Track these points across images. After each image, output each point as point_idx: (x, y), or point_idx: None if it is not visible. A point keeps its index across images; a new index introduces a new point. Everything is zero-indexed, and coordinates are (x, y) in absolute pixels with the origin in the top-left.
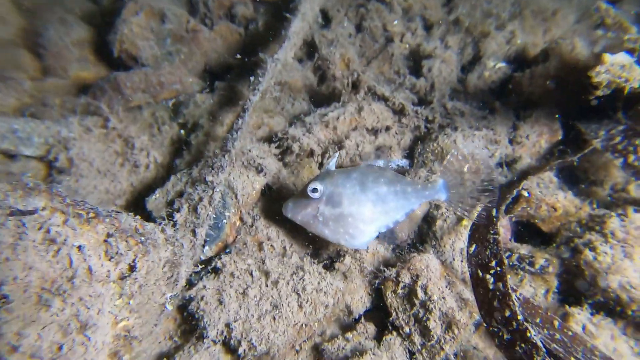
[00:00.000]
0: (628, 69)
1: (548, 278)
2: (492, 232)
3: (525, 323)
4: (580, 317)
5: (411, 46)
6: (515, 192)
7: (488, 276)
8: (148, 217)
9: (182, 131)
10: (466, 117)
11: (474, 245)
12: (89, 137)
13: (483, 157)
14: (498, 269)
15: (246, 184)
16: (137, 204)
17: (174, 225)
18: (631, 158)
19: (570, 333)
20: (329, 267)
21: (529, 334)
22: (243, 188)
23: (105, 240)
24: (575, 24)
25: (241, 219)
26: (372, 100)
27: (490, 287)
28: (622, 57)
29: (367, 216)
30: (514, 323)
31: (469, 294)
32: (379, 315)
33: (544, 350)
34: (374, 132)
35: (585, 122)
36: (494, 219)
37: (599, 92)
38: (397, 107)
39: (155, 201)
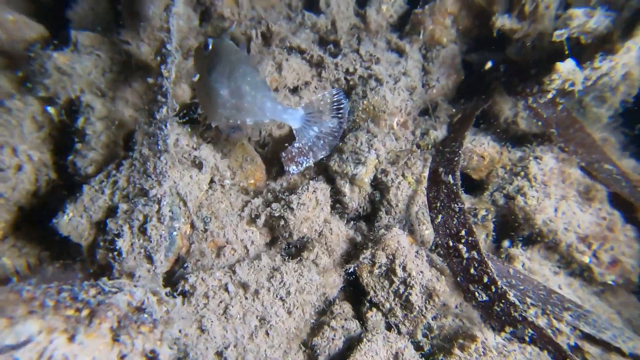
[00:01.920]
0: (573, 73)
1: (487, 224)
2: (456, 201)
3: (504, 287)
4: (520, 257)
5: None
6: (461, 147)
7: (460, 246)
8: (64, 242)
9: (51, 110)
10: (382, 64)
11: (439, 216)
12: None
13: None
14: (469, 238)
15: (192, 187)
16: (31, 228)
17: (120, 254)
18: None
19: (521, 276)
20: (295, 255)
21: (508, 296)
22: (190, 192)
23: (115, 340)
24: None
25: (192, 226)
26: (287, 54)
27: (465, 255)
28: (569, 65)
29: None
30: (493, 288)
31: (436, 259)
32: (350, 292)
33: (520, 306)
34: (295, 90)
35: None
36: (454, 187)
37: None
38: (315, 60)
39: (70, 222)
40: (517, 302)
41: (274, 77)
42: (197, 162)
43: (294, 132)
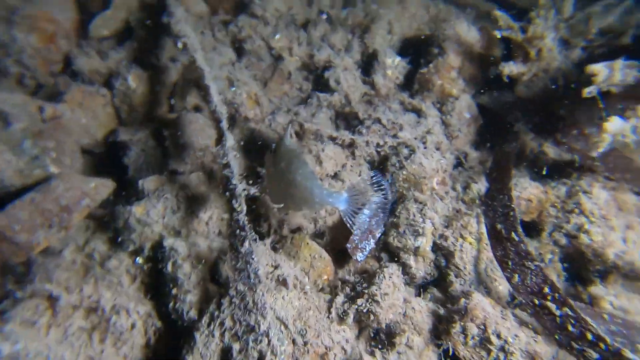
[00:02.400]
0: (622, 129)
1: (555, 266)
2: (529, 258)
3: (615, 344)
4: (606, 297)
5: (302, 58)
6: (512, 201)
7: (548, 303)
8: None
9: (140, 260)
10: (406, 129)
11: (515, 276)
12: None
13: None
14: (555, 294)
15: (287, 307)
16: None
17: None
18: None
19: (619, 321)
20: (389, 343)
21: (624, 354)
22: (287, 313)
23: None
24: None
25: (294, 343)
26: (321, 145)
27: (557, 313)
28: (617, 123)
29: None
30: (603, 345)
31: (524, 317)
32: None
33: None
34: (335, 175)
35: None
36: (522, 245)
37: None
38: (347, 143)
39: None
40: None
41: (316, 169)
42: (281, 280)
43: (342, 214)
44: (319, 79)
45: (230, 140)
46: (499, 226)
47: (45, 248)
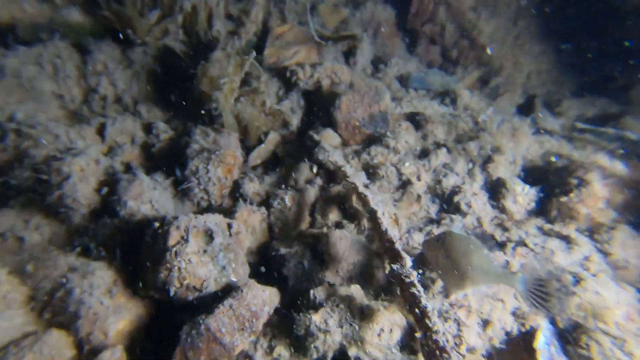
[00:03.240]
0: None
1: None
2: None
3: None
4: None
5: (428, 183)
6: None
7: None
8: None
9: None
10: (559, 254)
11: None
12: None
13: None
14: None
15: None
16: None
17: None
18: None
19: None
20: None
21: None
22: None
23: None
24: None
25: None
26: None
27: None
28: None
29: None
30: None
31: None
32: None
33: None
34: None
35: None
36: None
37: None
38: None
39: None
40: None
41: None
42: None
43: (520, 294)
44: (446, 203)
45: (408, 260)
46: None
47: (240, 350)
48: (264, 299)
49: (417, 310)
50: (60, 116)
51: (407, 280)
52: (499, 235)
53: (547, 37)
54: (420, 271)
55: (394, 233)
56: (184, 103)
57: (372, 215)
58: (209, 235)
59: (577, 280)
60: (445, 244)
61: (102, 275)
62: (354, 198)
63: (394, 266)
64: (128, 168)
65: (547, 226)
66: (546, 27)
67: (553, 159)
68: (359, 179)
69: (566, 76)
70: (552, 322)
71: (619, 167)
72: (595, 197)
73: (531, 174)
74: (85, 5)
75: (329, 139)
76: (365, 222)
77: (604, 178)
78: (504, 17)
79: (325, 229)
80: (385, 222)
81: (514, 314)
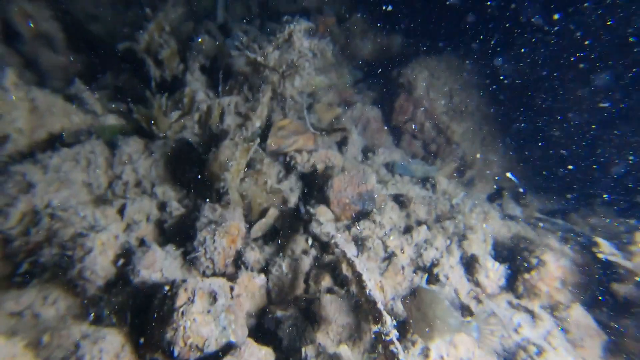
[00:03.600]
0: None
1: None
2: None
3: None
4: None
5: (411, 256)
6: None
7: None
8: None
9: None
10: (525, 327)
11: None
12: None
13: None
14: None
15: None
16: None
17: None
18: None
19: None
20: None
21: None
22: None
23: None
24: None
25: None
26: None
27: None
28: None
29: None
30: None
31: None
32: None
33: None
34: None
35: None
36: None
37: None
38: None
39: None
40: None
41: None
42: None
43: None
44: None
45: (389, 320)
46: None
47: None
48: (260, 358)
49: None
50: (87, 200)
51: (387, 338)
52: (473, 306)
53: (506, 142)
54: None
55: (377, 295)
56: (195, 184)
57: (358, 279)
58: (213, 297)
59: (540, 352)
60: (416, 298)
61: (112, 340)
62: (344, 265)
63: (376, 326)
64: (142, 242)
65: (515, 301)
66: (505, 134)
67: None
68: (348, 248)
69: (529, 173)
70: None
71: (567, 251)
72: (552, 277)
73: (500, 253)
74: (118, 112)
75: (322, 214)
76: (353, 288)
77: (557, 260)
78: (471, 122)
79: (317, 294)
80: (370, 285)
81: None
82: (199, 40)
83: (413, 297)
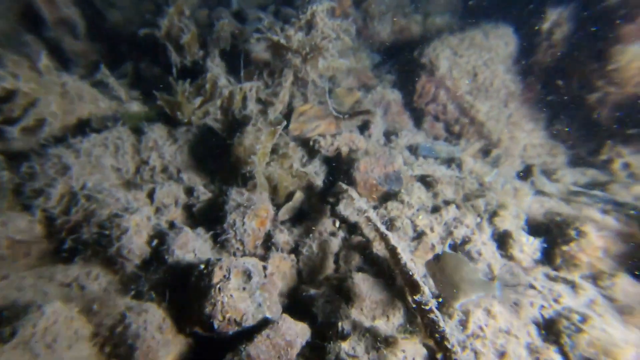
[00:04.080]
0: None
1: None
2: None
3: None
4: None
5: (440, 234)
6: None
7: None
8: None
9: None
10: (566, 297)
11: None
12: None
13: None
14: None
15: None
16: None
17: None
18: None
19: None
20: None
21: None
22: None
23: None
24: None
25: None
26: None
27: None
28: None
29: None
30: None
31: None
32: None
33: None
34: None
35: None
36: None
37: None
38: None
39: None
40: None
41: None
42: None
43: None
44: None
45: (427, 290)
46: None
47: None
48: (297, 331)
49: (436, 335)
50: (118, 184)
51: (426, 307)
52: (509, 280)
53: (535, 117)
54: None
55: (412, 267)
56: (219, 169)
57: (393, 252)
58: (248, 275)
59: (584, 319)
60: (440, 262)
61: (154, 313)
62: (375, 243)
63: (415, 297)
64: (172, 225)
65: (553, 273)
66: (533, 110)
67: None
68: (380, 223)
69: (558, 149)
70: (565, 358)
71: (611, 222)
72: (593, 247)
73: (534, 229)
74: (142, 98)
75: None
76: (388, 261)
77: (599, 230)
78: (496, 100)
79: (349, 273)
80: (405, 257)
81: (528, 347)
82: (220, 24)
83: (437, 260)
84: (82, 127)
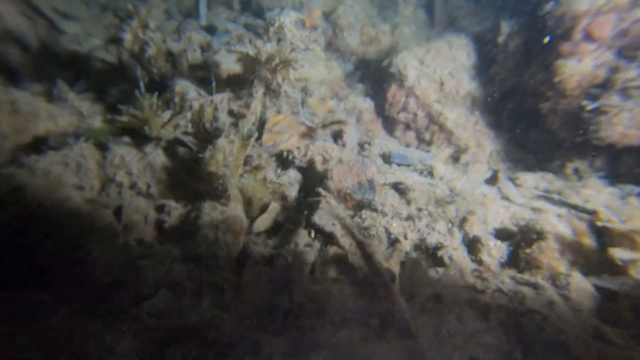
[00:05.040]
0: None
1: None
2: None
3: None
4: None
5: (414, 241)
6: None
7: None
8: None
9: None
10: (529, 298)
11: None
12: None
13: None
14: None
15: None
16: None
17: None
18: None
19: None
20: None
21: None
22: None
23: None
24: None
25: None
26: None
27: None
28: None
29: None
30: None
31: None
32: None
33: None
34: None
35: None
36: None
37: None
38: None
39: None
40: None
41: None
42: None
43: None
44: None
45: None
46: None
47: None
48: None
49: None
50: (81, 203)
51: None
52: (478, 285)
53: (498, 125)
54: None
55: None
56: (191, 184)
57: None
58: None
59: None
60: None
61: None
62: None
63: None
64: (139, 243)
65: (518, 275)
66: (495, 117)
67: None
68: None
69: (519, 154)
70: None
71: (565, 224)
72: (552, 249)
73: (500, 232)
74: (106, 112)
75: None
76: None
77: (555, 232)
78: (462, 107)
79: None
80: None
81: None
82: (186, 36)
83: None
84: (39, 146)
